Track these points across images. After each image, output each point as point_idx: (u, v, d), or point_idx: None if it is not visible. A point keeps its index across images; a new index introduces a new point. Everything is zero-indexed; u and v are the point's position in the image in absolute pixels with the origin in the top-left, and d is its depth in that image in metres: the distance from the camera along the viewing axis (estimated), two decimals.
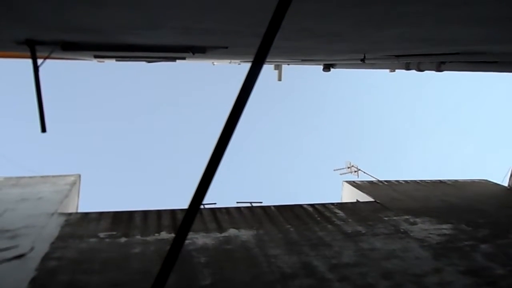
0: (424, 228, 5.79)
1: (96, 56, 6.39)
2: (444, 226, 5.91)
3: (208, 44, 4.33)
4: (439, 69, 6.31)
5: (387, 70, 9.75)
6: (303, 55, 6.49)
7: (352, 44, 4.09)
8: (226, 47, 4.57)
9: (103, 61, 9.94)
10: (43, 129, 3.97)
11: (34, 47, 3.73)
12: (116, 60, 8.27)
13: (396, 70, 9.33)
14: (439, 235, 5.54)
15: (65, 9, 2.37)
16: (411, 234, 5.52)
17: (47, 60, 4.22)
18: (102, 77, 47.79)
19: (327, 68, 9.96)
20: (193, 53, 4.67)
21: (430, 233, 5.58)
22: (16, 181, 7.42)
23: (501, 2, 1.93)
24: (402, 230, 5.69)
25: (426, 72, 6.98)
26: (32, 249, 4.53)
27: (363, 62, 6.58)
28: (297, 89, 53.19)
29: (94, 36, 3.60)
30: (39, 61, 4.03)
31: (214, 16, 2.55)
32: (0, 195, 6.63)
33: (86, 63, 11.56)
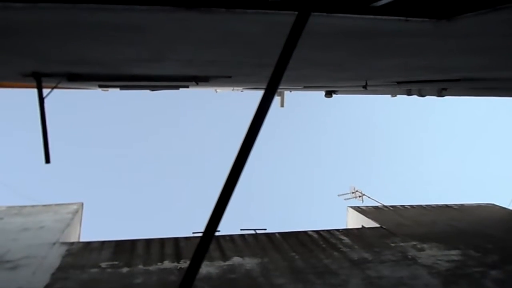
0: (432, 254, 5.68)
1: (100, 86, 6.49)
2: (452, 252, 5.79)
3: (212, 74, 4.40)
4: (440, 94, 6.35)
5: (389, 96, 9.82)
6: (306, 82, 6.57)
7: (353, 72, 4.14)
8: (230, 77, 4.63)
9: (107, 90, 10.06)
10: (47, 160, 3.98)
11: (40, 79, 3.79)
12: (120, 89, 8.36)
13: (398, 95, 9.40)
14: (447, 261, 5.42)
15: (71, 44, 2.43)
16: (419, 261, 5.41)
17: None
18: (106, 105, 48.24)
19: (329, 94, 10.04)
20: (197, 83, 4.73)
21: (439, 260, 5.47)
22: (19, 210, 7.38)
23: (499, 33, 1.96)
24: (409, 256, 5.58)
25: (428, 97, 7.02)
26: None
27: (365, 88, 6.64)
28: (299, 115, 53.48)
29: (100, 68, 3.66)
30: (45, 92, 4.08)
31: (217, 49, 2.60)
32: (3, 225, 6.58)
33: (90, 91, 11.70)
